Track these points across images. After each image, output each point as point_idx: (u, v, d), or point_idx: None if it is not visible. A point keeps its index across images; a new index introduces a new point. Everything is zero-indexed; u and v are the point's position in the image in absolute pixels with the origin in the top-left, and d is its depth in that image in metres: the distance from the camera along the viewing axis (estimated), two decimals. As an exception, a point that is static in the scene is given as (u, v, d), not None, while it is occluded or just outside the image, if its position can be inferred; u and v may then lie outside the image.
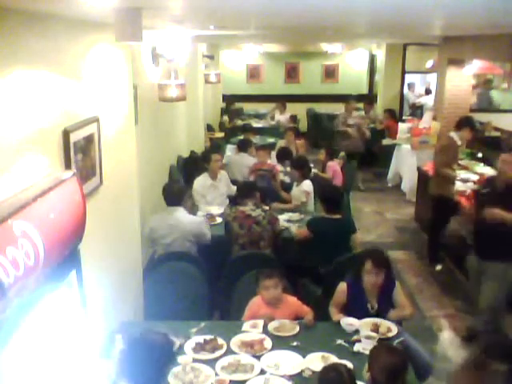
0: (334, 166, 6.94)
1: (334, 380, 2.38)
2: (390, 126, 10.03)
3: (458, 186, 6.12)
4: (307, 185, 5.85)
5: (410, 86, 13.72)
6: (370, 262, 3.50)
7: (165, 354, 2.44)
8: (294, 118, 11.47)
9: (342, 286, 3.63)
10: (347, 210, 6.80)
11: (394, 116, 10.52)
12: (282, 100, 12.34)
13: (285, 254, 4.62)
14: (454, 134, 6.05)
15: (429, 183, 6.35)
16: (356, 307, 3.51)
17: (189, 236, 4.53)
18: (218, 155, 6.13)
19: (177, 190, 4.75)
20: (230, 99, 13.27)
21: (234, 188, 5.84)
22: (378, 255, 3.63)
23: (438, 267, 6.19)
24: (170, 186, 5.10)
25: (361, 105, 12.04)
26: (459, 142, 6.05)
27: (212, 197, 5.90)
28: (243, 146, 7.20)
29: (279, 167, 6.84)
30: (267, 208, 4.99)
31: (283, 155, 6.80)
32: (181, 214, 4.58)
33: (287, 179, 6.58)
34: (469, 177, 6.57)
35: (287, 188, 6.22)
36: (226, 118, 12.36)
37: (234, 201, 5.75)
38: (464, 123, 6.09)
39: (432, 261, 6.26)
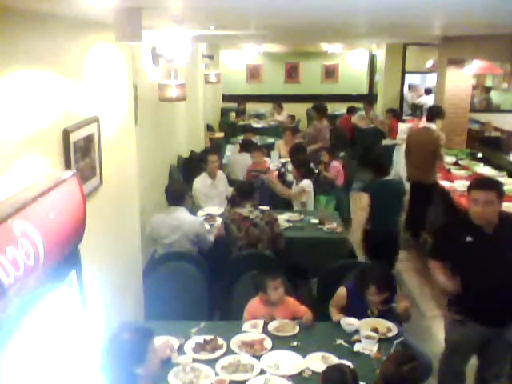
0: (337, 166, 6.98)
1: (337, 380, 2.38)
2: (393, 126, 9.99)
3: (459, 185, 6.14)
4: (306, 184, 5.86)
5: (411, 87, 13.70)
6: (375, 288, 3.37)
7: (132, 357, 2.44)
8: (292, 118, 11.48)
9: (342, 291, 3.58)
10: (347, 209, 6.81)
11: (397, 115, 10.49)
12: (279, 101, 12.35)
13: (285, 255, 4.62)
14: (432, 125, 6.63)
15: (417, 172, 6.58)
16: (356, 312, 3.46)
17: (190, 236, 4.53)
18: (214, 156, 6.07)
19: (178, 190, 4.77)
20: (235, 99, 13.28)
21: (230, 189, 5.86)
22: (384, 280, 3.42)
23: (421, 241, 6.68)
24: (171, 185, 5.11)
25: (361, 105, 12.07)
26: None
27: (212, 196, 5.90)
28: (246, 147, 7.21)
29: (274, 167, 6.88)
30: (266, 209, 4.98)
31: (295, 151, 6.81)
32: (182, 214, 4.59)
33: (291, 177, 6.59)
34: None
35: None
36: (233, 114, 12.36)
37: (232, 201, 5.75)
38: (436, 114, 6.73)
39: (413, 235, 6.75)
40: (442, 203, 6.51)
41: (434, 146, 6.44)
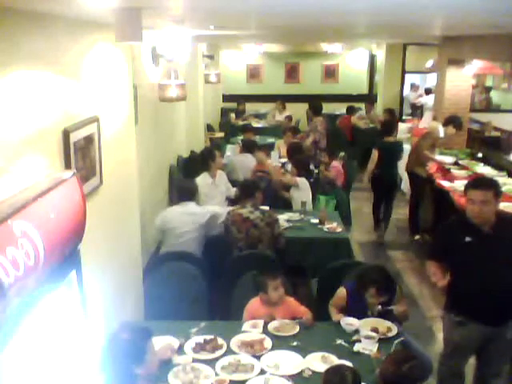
0: (338, 166, 7.00)
1: (337, 383, 2.37)
2: None
3: (459, 185, 6.14)
4: (299, 179, 5.92)
5: (414, 86, 13.70)
6: (375, 289, 3.36)
7: (131, 357, 2.45)
8: (289, 118, 11.48)
9: (342, 292, 3.57)
10: (347, 208, 6.81)
11: (394, 115, 10.50)
12: (281, 99, 12.34)
13: (286, 255, 4.62)
14: (439, 124, 7.03)
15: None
16: (356, 312, 3.45)
17: (202, 223, 4.73)
18: (219, 152, 6.29)
19: (191, 187, 5.01)
20: (235, 99, 13.29)
21: (233, 189, 5.86)
22: (383, 282, 3.40)
23: (417, 237, 7.05)
24: (182, 182, 5.38)
25: (362, 105, 12.06)
26: (441, 134, 6.95)
27: (213, 195, 5.90)
28: (248, 147, 7.20)
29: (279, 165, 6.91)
30: (267, 209, 4.98)
31: (293, 151, 6.82)
32: (193, 206, 4.83)
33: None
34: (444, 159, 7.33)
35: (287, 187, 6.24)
36: (232, 115, 12.37)
37: (232, 202, 5.75)
38: (450, 121, 6.95)
39: (412, 232, 7.16)
40: (433, 201, 6.71)
41: (421, 138, 7.17)
